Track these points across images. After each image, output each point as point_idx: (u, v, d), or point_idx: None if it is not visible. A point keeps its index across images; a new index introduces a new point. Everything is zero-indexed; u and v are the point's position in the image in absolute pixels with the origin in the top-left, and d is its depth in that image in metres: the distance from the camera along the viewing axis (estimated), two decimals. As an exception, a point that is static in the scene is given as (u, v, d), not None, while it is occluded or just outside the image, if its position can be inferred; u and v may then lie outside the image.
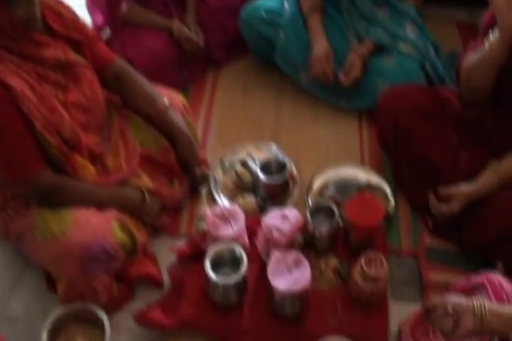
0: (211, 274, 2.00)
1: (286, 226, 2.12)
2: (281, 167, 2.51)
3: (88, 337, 2.06)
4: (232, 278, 2.01)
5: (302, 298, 2.05)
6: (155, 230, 2.39)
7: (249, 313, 2.12)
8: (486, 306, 1.67)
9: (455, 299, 1.73)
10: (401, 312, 2.19)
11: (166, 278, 2.29)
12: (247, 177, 2.60)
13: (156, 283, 2.28)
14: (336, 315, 2.12)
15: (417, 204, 2.54)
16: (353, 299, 2.15)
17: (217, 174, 2.67)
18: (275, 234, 2.11)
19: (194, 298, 2.13)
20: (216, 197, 2.57)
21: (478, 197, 2.24)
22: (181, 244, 2.34)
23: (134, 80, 2.33)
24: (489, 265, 2.22)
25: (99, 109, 2.20)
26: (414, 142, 2.44)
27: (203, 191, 2.62)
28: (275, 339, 2.09)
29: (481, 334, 1.71)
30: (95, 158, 2.19)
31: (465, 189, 2.26)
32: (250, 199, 2.55)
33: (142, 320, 2.14)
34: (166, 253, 2.34)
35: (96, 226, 2.02)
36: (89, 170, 2.13)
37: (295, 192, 2.61)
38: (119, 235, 2.09)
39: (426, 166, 2.43)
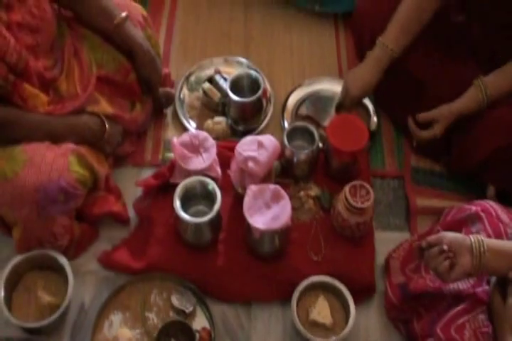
0: (182, 214, 1.86)
1: (262, 156, 1.97)
2: (254, 83, 2.33)
3: (49, 285, 1.95)
4: (206, 217, 1.86)
5: (282, 234, 1.92)
6: (117, 160, 2.24)
7: (224, 252, 2.02)
8: (485, 243, 1.57)
9: (451, 236, 1.63)
10: (386, 241, 2.13)
11: (132, 214, 2.16)
12: (216, 95, 2.39)
13: (121, 220, 2.15)
14: (319, 250, 2.02)
15: (400, 124, 2.39)
16: (336, 231, 2.05)
17: (183, 93, 2.48)
18: (251, 165, 1.95)
19: (163, 237, 2.03)
20: (183, 119, 2.39)
21: (462, 116, 2.09)
22: (147, 174, 2.21)
23: None
24: (478, 188, 2.17)
25: (48, 28, 1.98)
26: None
27: (168, 113, 2.44)
28: (254, 279, 2.00)
29: (478, 274, 1.62)
30: (47, 84, 2.00)
31: (446, 109, 2.11)
32: (221, 121, 2.34)
33: (107, 262, 2.05)
34: (131, 185, 2.19)
35: (51, 163, 1.85)
36: (41, 99, 1.95)
37: (269, 111, 2.43)
38: (78, 170, 1.92)
39: (408, 81, 2.24)
